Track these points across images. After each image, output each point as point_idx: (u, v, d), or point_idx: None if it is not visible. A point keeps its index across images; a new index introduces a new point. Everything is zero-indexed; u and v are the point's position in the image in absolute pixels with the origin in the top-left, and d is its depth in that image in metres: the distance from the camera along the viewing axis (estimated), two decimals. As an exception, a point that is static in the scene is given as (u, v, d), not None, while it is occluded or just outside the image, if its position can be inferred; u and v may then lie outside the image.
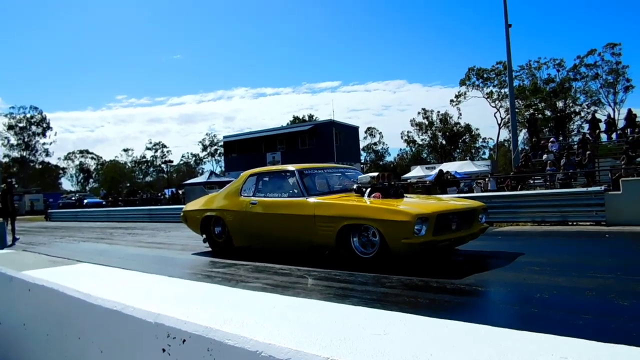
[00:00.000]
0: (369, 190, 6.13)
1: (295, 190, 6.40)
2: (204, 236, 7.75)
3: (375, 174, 6.37)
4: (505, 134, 54.71)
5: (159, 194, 35.81)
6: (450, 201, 6.48)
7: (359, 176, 6.71)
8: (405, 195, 6.47)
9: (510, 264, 5.59)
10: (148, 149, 75.48)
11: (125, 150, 76.28)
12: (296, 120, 64.88)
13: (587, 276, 4.71)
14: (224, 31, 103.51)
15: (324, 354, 1.04)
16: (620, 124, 21.19)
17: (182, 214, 8.56)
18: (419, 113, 65.50)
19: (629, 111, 19.73)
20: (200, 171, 67.96)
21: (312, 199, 6.12)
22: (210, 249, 7.70)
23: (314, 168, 7.08)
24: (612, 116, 24.13)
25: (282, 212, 6.40)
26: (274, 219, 6.52)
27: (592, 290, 4.13)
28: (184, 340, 1.38)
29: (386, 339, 1.11)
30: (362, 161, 57.74)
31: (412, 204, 5.69)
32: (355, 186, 6.40)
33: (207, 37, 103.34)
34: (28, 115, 64.27)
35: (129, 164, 76.10)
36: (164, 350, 1.45)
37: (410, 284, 4.68)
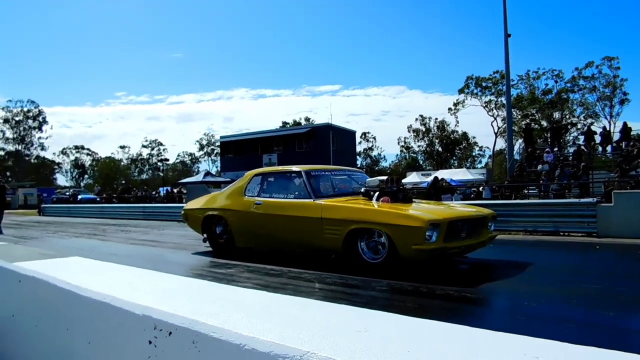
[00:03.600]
0: (377, 194, 5.99)
1: (302, 192, 6.28)
2: (205, 235, 7.63)
3: (384, 177, 6.22)
4: (501, 143, 54.96)
5: (154, 192, 35.72)
6: (460, 208, 6.38)
7: (367, 179, 6.59)
8: (413, 200, 6.35)
9: (501, 271, 5.64)
10: (144, 146, 75.40)
11: (122, 147, 76.20)
12: (285, 125, 64.73)
13: (576, 286, 4.77)
14: (225, 31, 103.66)
15: (305, 347, 1.06)
16: (616, 136, 21.35)
17: (182, 212, 8.44)
18: (416, 119, 65.80)
19: (625, 124, 19.89)
20: (196, 170, 67.94)
21: (319, 201, 6.01)
22: (208, 249, 7.66)
23: (320, 170, 6.96)
24: (607, 129, 24.25)
25: (287, 213, 6.27)
26: (279, 221, 6.38)
27: (579, 300, 4.18)
28: (170, 333, 1.40)
29: (367, 336, 1.14)
30: (358, 166, 57.79)
31: (423, 210, 5.59)
32: (363, 189, 6.29)
33: (208, 37, 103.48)
34: (25, 109, 64.21)
35: (124, 161, 75.98)
36: (150, 342, 1.47)
37: (400, 289, 4.71)
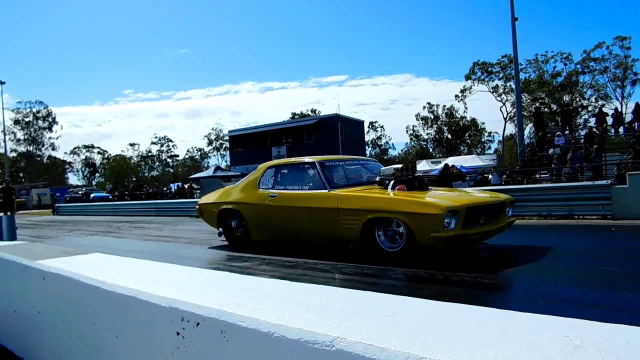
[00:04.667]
0: (392, 182, 5.97)
1: (317, 183, 6.25)
2: (220, 230, 7.63)
3: (399, 165, 6.19)
4: (511, 128, 54.48)
5: (165, 188, 35.93)
6: (476, 194, 6.32)
7: (382, 168, 6.55)
8: (429, 187, 6.32)
9: (517, 256, 5.62)
10: (153, 143, 75.88)
11: (132, 144, 76.80)
12: (295, 116, 64.69)
13: (594, 269, 4.75)
14: (231, 25, 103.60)
15: (334, 333, 1.08)
16: (628, 117, 21.04)
17: (197, 207, 8.45)
18: (424, 107, 65.39)
19: (637, 105, 19.57)
20: (205, 165, 68.31)
21: (334, 192, 5.99)
22: (223, 243, 7.68)
23: (334, 160, 6.94)
24: (619, 110, 23.93)
25: (303, 205, 6.25)
26: (295, 212, 6.37)
27: (598, 282, 4.16)
28: (198, 324, 1.43)
29: (394, 320, 1.15)
30: (367, 155, 57.63)
31: (440, 197, 5.53)
32: (378, 178, 6.26)
33: (214, 32, 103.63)
34: (34, 110, 64.82)
35: (135, 159, 76.53)
36: (178, 333, 1.50)
37: (416, 277, 4.72)
